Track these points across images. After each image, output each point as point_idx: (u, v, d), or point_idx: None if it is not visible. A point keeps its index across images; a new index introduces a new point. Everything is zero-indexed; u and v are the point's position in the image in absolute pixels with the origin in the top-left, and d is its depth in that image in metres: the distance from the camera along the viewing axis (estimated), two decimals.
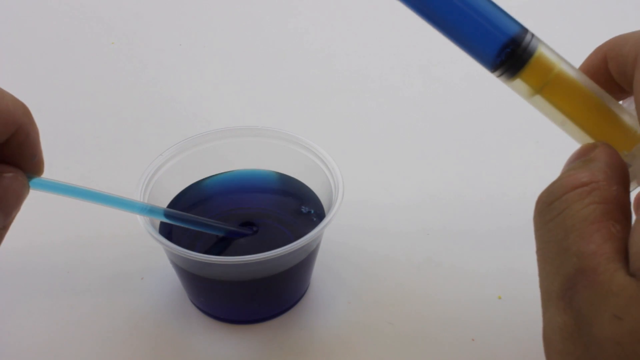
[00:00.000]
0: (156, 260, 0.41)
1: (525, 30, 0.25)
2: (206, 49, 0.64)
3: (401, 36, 0.65)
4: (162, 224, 0.38)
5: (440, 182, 0.48)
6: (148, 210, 0.35)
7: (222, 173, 0.42)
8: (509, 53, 0.25)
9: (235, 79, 0.60)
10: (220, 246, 0.38)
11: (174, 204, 0.40)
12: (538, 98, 0.26)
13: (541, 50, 0.25)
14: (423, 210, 0.46)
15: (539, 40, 0.26)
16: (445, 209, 0.46)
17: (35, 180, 0.28)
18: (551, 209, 0.22)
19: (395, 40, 0.65)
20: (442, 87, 0.58)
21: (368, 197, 0.46)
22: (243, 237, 0.38)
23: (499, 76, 0.26)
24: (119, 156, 0.51)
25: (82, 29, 0.66)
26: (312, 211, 0.39)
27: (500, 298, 0.39)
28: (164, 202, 0.40)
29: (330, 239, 0.42)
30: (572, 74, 0.26)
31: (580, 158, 0.24)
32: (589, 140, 0.26)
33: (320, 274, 0.41)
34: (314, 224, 0.35)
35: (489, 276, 0.41)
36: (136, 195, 0.37)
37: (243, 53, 0.63)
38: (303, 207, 0.40)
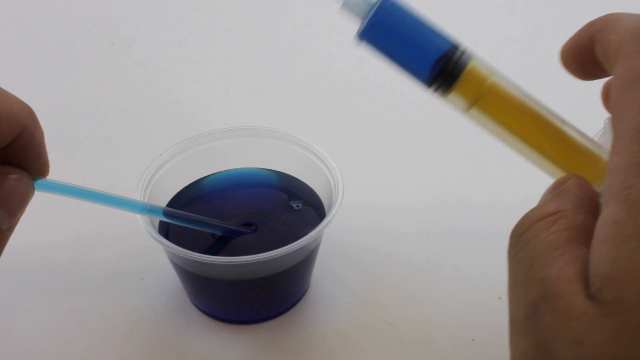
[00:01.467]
0: (156, 260, 0.41)
1: (456, 45, 0.26)
2: (206, 49, 0.64)
3: None
4: (161, 222, 0.38)
5: (441, 183, 0.48)
6: (148, 209, 0.35)
7: (222, 171, 0.42)
8: (441, 67, 0.26)
9: (235, 79, 0.60)
10: (220, 245, 0.38)
11: (173, 201, 0.40)
12: (474, 111, 0.27)
13: (473, 64, 0.26)
14: (423, 211, 0.46)
15: (471, 54, 0.27)
16: (445, 210, 0.46)
17: (40, 181, 0.28)
18: (520, 240, 0.22)
19: None
20: None
21: (368, 198, 0.46)
22: (242, 236, 0.38)
23: (434, 91, 0.27)
24: (119, 156, 0.51)
25: (82, 29, 0.66)
26: (301, 205, 0.39)
27: (500, 298, 0.39)
28: (164, 202, 0.40)
29: (331, 239, 0.42)
30: (507, 87, 0.27)
31: (553, 191, 0.24)
32: (543, 164, 0.27)
33: (320, 274, 0.41)
34: (314, 224, 0.35)
35: (489, 276, 0.41)
36: (136, 195, 0.37)
37: (243, 53, 0.63)
38: (292, 202, 0.40)
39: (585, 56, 0.26)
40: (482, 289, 0.40)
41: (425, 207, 0.46)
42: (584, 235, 0.21)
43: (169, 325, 0.38)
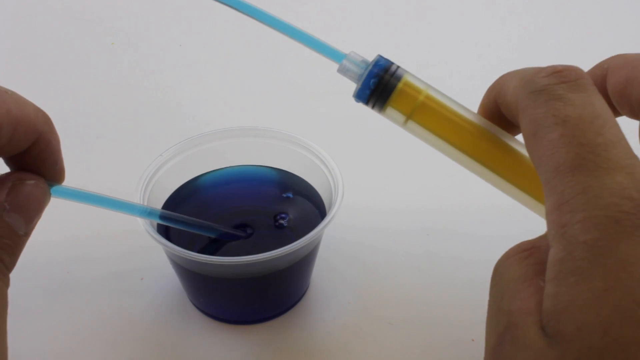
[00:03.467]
0: (156, 260, 0.41)
1: (390, 62, 0.28)
2: (206, 50, 0.64)
3: (401, 36, 0.65)
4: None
5: (441, 183, 0.48)
6: (147, 212, 0.34)
7: (221, 169, 0.42)
8: (375, 83, 0.28)
9: (235, 79, 0.60)
10: (220, 245, 0.38)
11: (171, 199, 0.40)
12: (411, 124, 0.28)
13: (406, 79, 0.28)
14: (423, 211, 0.46)
15: (405, 70, 0.28)
16: (445, 210, 0.46)
17: (56, 187, 0.28)
18: (496, 275, 0.23)
19: (395, 40, 0.65)
20: (441, 86, 0.58)
21: (368, 198, 0.46)
22: (238, 239, 0.38)
23: (372, 107, 0.29)
24: (119, 156, 0.51)
25: (82, 29, 0.66)
26: (291, 195, 0.40)
27: None
28: (163, 202, 0.40)
29: (331, 239, 0.42)
30: (442, 100, 0.28)
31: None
32: (494, 180, 0.28)
33: (320, 274, 0.41)
34: (314, 223, 0.35)
35: (489, 277, 0.40)
36: (136, 195, 0.37)
37: (243, 53, 0.63)
38: (284, 193, 0.40)
39: (495, 119, 0.28)
40: (482, 289, 0.40)
41: (426, 207, 0.46)
42: None
43: (168, 325, 0.38)
